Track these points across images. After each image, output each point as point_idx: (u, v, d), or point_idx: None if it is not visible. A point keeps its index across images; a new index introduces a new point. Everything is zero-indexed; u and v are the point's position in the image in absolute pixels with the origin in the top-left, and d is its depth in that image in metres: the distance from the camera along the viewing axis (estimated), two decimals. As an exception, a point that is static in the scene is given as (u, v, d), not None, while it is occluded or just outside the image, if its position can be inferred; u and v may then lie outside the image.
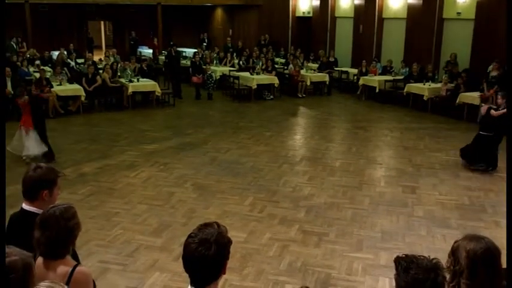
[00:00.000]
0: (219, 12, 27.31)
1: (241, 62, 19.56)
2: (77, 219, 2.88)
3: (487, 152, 9.43)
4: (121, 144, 11.16)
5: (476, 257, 2.54)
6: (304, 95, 17.38)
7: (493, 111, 9.39)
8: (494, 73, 13.00)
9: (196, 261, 2.24)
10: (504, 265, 2.71)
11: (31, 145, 9.59)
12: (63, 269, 2.78)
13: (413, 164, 9.88)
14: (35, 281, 2.75)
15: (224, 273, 2.34)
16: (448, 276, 2.58)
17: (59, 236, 2.76)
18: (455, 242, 2.68)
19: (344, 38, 20.22)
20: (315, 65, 19.04)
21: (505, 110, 9.09)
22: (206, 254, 2.22)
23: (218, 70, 18.51)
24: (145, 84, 15.32)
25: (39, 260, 2.83)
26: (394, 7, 17.94)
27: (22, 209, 3.22)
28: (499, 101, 9.54)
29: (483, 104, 10.50)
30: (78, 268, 2.82)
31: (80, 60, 18.79)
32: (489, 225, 7.07)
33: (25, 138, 9.61)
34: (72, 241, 2.86)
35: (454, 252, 2.63)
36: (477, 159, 9.53)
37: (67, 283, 2.72)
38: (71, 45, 20.74)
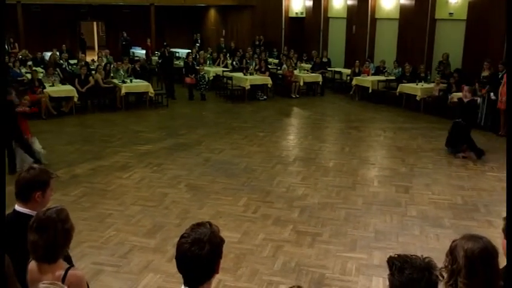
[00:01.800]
0: (212, 13, 27.32)
1: (234, 63, 19.56)
2: (71, 220, 2.88)
3: (462, 138, 10.33)
4: (114, 145, 11.12)
5: (473, 256, 2.55)
6: (297, 96, 17.40)
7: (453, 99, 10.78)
8: (485, 73, 13.05)
9: (190, 261, 2.25)
10: (502, 264, 2.72)
11: (25, 155, 9.22)
12: (56, 272, 2.77)
13: (406, 164, 9.91)
14: (29, 285, 2.77)
15: (217, 273, 2.35)
16: (445, 275, 2.61)
17: (57, 239, 2.75)
18: (453, 241, 2.69)
19: (337, 39, 20.26)
20: (308, 66, 19.07)
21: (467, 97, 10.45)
22: (199, 254, 2.23)
23: (211, 71, 18.50)
24: (139, 85, 15.29)
25: (33, 264, 2.82)
26: (387, 7, 17.99)
27: (15, 210, 3.21)
28: (464, 93, 10.58)
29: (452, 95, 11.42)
30: (70, 271, 2.81)
31: (72, 61, 18.73)
32: (482, 224, 7.10)
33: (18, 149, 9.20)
34: (68, 244, 2.86)
35: (452, 251, 2.65)
36: (459, 145, 10.42)
37: None
38: (64, 45, 20.67)
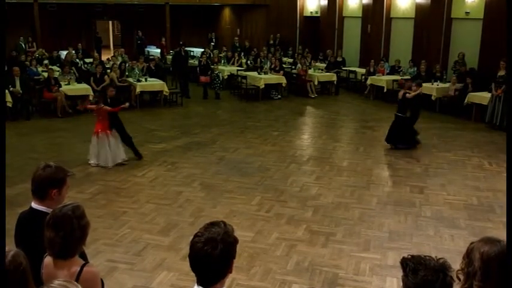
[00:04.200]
0: (227, 12, 27.36)
1: (249, 62, 19.57)
2: (87, 217, 2.90)
3: (404, 132, 10.79)
4: (129, 144, 11.18)
5: (489, 259, 2.53)
6: (315, 95, 17.31)
7: (408, 95, 10.81)
8: (501, 72, 12.90)
9: (203, 260, 2.25)
10: None
11: (120, 150, 9.58)
12: (71, 268, 2.80)
13: (421, 164, 9.85)
14: (44, 279, 2.80)
15: (231, 272, 2.35)
16: (462, 278, 2.59)
17: (73, 236, 2.78)
18: (471, 244, 2.68)
19: (352, 38, 20.18)
20: (323, 65, 19.03)
21: (417, 92, 10.91)
22: (212, 253, 2.23)
23: (226, 70, 18.54)
24: (153, 83, 15.36)
25: (48, 259, 2.84)
26: (402, 6, 17.88)
27: (31, 207, 3.23)
28: (414, 88, 10.90)
29: (401, 89, 11.47)
30: (86, 268, 2.83)
31: (88, 60, 18.87)
32: (497, 225, 7.03)
33: (111, 144, 9.46)
34: (84, 240, 2.88)
35: (468, 254, 2.63)
36: (398, 139, 10.89)
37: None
38: (79, 44, 20.83)
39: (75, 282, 2.34)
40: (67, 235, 2.75)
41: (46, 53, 19.38)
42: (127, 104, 10.19)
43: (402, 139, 10.86)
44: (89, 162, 9.52)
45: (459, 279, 2.59)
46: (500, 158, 10.11)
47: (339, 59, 19.17)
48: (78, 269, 2.80)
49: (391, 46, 18.50)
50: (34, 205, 3.22)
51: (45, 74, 14.84)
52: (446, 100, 14.39)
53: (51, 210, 2.99)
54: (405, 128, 10.82)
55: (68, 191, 3.35)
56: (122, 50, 20.46)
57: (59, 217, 2.78)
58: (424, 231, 6.87)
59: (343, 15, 20.69)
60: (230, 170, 9.38)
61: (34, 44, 21.11)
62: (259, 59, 19.18)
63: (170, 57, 20.64)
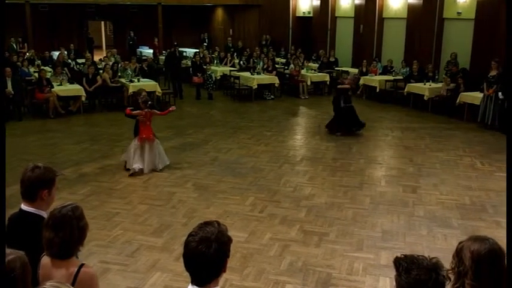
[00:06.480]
0: (219, 12, 27.35)
1: (241, 62, 19.56)
2: (85, 218, 2.89)
3: (354, 118, 12.19)
4: (122, 145, 11.10)
5: (480, 257, 2.54)
6: (307, 97, 17.31)
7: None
8: (493, 72, 12.95)
9: (197, 259, 2.26)
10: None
11: (163, 154, 9.40)
12: (69, 269, 2.80)
13: (414, 164, 9.87)
14: (41, 280, 2.78)
15: (224, 272, 2.36)
16: (452, 278, 2.59)
17: (73, 236, 2.78)
18: (459, 243, 2.67)
19: (344, 38, 20.22)
20: (315, 65, 19.05)
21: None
22: (207, 253, 2.23)
23: (219, 70, 18.52)
24: (146, 84, 15.27)
25: (46, 259, 2.84)
26: (395, 7, 17.94)
27: (21, 209, 3.20)
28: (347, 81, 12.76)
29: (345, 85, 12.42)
30: (83, 268, 2.83)
31: (80, 60, 18.80)
32: (490, 225, 7.06)
33: (156, 151, 9.27)
34: (83, 241, 2.88)
35: (458, 253, 2.63)
36: (350, 125, 12.19)
37: (73, 283, 2.74)
38: (71, 45, 20.75)
39: (67, 284, 2.32)
40: (66, 236, 2.75)
41: (37, 55, 19.26)
42: (174, 107, 10.08)
43: (354, 124, 12.21)
44: (133, 167, 9.03)
45: (449, 279, 2.60)
46: (492, 157, 10.16)
47: (332, 59, 19.20)
48: (76, 269, 2.80)
49: (383, 46, 18.56)
50: (24, 207, 3.19)
51: (37, 75, 14.76)
52: (439, 100, 14.44)
53: (41, 211, 2.98)
54: (353, 115, 12.21)
55: (60, 192, 3.33)
56: (115, 50, 20.38)
57: (58, 218, 2.78)
58: (417, 231, 6.88)
59: (336, 15, 20.73)
60: (223, 171, 9.37)
61: (25, 44, 20.99)
62: (252, 59, 19.18)
63: (163, 57, 20.60)
